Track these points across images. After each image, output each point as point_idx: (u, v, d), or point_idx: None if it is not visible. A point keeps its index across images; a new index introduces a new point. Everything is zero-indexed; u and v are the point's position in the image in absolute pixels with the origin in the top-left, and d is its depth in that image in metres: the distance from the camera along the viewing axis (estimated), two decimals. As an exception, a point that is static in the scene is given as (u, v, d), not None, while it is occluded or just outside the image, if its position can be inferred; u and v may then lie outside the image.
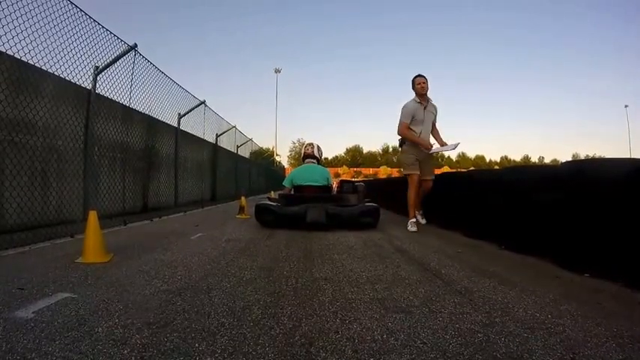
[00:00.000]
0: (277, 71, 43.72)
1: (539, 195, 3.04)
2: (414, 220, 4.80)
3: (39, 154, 3.85)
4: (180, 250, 3.25)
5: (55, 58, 3.95)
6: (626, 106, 53.51)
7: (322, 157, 6.12)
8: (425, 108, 4.94)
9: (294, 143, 62.81)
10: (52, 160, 4.07)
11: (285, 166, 45.06)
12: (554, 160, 56.16)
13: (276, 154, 37.06)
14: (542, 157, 69.14)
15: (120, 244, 3.42)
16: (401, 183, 5.97)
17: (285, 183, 5.85)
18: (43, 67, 3.85)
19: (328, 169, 6.41)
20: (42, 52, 3.75)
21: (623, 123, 67.99)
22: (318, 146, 5.99)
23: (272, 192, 13.86)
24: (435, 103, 5.17)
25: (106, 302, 1.81)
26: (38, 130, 3.82)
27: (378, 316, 1.69)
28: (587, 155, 57.33)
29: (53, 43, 3.89)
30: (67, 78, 4.22)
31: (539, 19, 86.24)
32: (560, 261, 2.71)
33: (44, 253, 3.03)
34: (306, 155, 5.92)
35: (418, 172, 4.88)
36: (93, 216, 2.77)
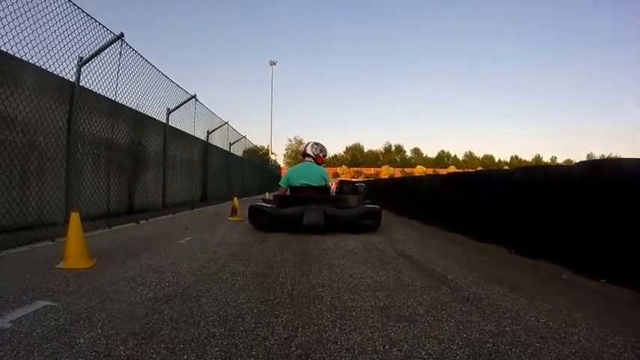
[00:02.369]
0: (272, 64, 43.61)
1: (552, 196, 3.04)
2: None
3: (18, 151, 3.81)
4: (169, 254, 3.23)
5: (36, 47, 3.89)
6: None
7: (325, 157, 6.07)
8: None
9: (291, 141, 62.84)
10: (32, 157, 4.03)
11: (281, 165, 44.96)
12: (568, 160, 56.36)
13: (272, 153, 37.01)
14: (555, 157, 69.35)
15: (104, 248, 3.39)
16: (404, 184, 5.98)
17: (282, 183, 5.87)
18: (23, 58, 3.80)
19: (327, 168, 6.43)
20: (22, 40, 3.69)
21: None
22: (322, 147, 5.98)
23: (267, 193, 13.82)
24: None
25: (88, 311, 1.78)
26: (17, 126, 3.79)
27: (380, 325, 1.67)
28: (603, 155, 57.46)
29: (35, 32, 3.84)
30: (49, 69, 4.17)
31: (551, 12, 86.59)
32: (575, 266, 2.70)
33: (22, 258, 3.01)
34: (305, 154, 5.94)
35: None
36: (75, 218, 2.75)
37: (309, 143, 6.03)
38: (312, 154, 5.86)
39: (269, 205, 5.14)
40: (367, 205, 5.05)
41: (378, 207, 5.07)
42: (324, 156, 6.00)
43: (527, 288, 2.28)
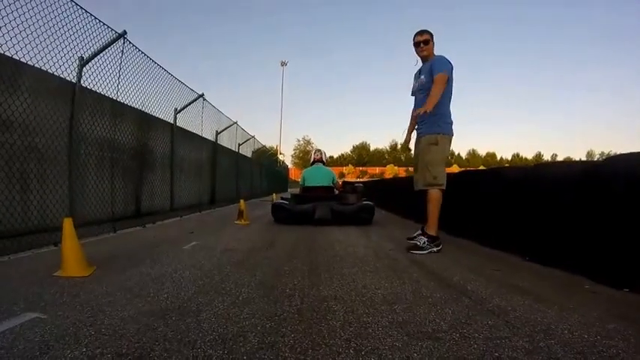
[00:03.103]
0: (284, 64, 43.52)
1: (570, 198, 2.83)
2: None
3: (14, 154, 3.66)
4: (171, 262, 3.09)
5: (33, 42, 3.71)
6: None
7: (326, 160, 7.49)
8: None
9: (299, 141, 62.90)
10: (32, 160, 3.90)
11: (289, 166, 44.76)
12: (568, 158, 55.80)
13: (280, 153, 36.89)
14: (556, 155, 69.10)
15: (105, 254, 3.30)
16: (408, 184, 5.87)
17: (301, 183, 7.22)
18: (21, 58, 3.66)
19: (333, 168, 7.99)
20: (17, 34, 3.53)
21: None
22: (324, 152, 7.37)
23: (274, 194, 13.68)
24: None
25: (76, 325, 1.66)
26: (13, 128, 3.64)
27: (400, 344, 1.51)
28: (603, 152, 56.80)
29: (31, 26, 3.68)
30: (48, 70, 4.02)
31: (552, 12, 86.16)
32: (594, 274, 2.52)
33: (22, 265, 2.92)
34: (315, 160, 7.20)
35: None
36: (68, 224, 2.60)
37: (315, 151, 7.42)
38: (322, 160, 7.17)
39: (287, 203, 6.47)
40: (364, 202, 6.33)
41: (372, 204, 6.38)
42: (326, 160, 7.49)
43: (552, 299, 2.11)
